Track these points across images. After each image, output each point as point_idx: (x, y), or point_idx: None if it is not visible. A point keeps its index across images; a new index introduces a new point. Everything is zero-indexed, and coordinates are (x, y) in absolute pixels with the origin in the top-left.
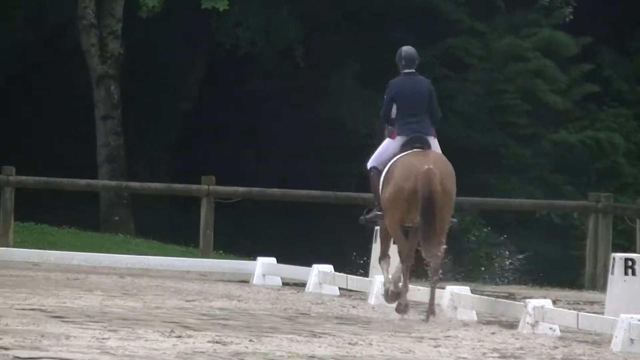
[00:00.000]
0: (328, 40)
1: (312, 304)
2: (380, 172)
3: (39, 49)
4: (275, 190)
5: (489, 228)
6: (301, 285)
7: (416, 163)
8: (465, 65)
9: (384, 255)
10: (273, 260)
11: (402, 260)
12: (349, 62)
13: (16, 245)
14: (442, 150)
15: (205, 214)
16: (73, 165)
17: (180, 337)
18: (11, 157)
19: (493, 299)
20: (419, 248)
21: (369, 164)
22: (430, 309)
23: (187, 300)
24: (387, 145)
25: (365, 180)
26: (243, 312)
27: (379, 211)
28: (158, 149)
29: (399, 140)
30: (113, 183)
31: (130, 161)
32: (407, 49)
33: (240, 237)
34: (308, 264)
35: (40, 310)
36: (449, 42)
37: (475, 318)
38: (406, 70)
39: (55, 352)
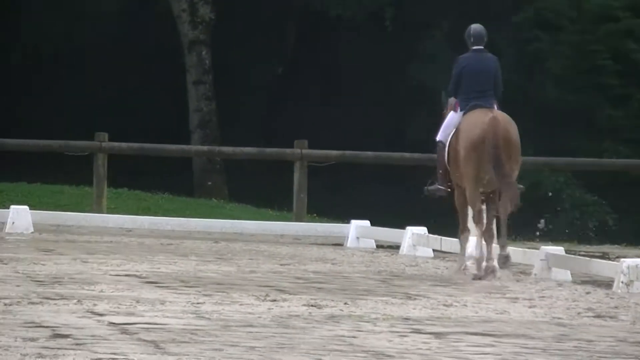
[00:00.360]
0: (417, 2)
1: (406, 266)
2: (445, 145)
3: (132, 13)
4: (369, 153)
5: (583, 188)
6: (395, 247)
7: (481, 115)
8: (556, 27)
9: (464, 229)
10: (367, 222)
11: (476, 224)
12: (439, 24)
13: (110, 211)
14: (533, 111)
15: (299, 177)
16: (165, 131)
17: (275, 300)
18: (104, 122)
19: (587, 258)
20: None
21: (437, 137)
22: (501, 261)
23: (281, 264)
24: (452, 118)
25: None
26: (337, 275)
27: (440, 185)
28: (250, 113)
29: (461, 112)
30: (206, 148)
31: (223, 126)
32: (475, 27)
33: (333, 200)
34: (402, 226)
35: (135, 276)
36: (540, 3)
37: (570, 278)
38: (475, 47)
39: (150, 317)
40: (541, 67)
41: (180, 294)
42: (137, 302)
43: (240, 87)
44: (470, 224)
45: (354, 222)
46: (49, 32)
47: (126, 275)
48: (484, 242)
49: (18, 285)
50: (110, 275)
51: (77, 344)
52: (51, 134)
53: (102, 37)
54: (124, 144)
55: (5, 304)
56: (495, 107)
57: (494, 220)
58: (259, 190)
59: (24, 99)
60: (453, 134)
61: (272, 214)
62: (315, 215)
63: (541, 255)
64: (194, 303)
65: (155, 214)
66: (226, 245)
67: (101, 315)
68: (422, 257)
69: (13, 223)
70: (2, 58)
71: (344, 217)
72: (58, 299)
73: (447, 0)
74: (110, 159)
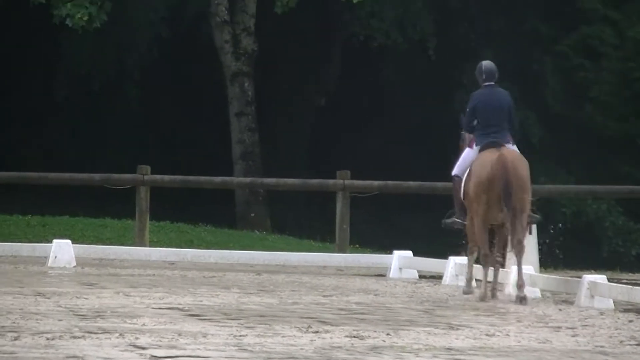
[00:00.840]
0: (460, 30)
1: (449, 296)
2: (461, 179)
3: (174, 43)
4: (411, 183)
5: (626, 216)
6: (438, 277)
7: (489, 155)
8: (599, 54)
9: (472, 251)
10: (409, 253)
11: (483, 263)
12: (483, 53)
13: (152, 244)
14: (577, 138)
15: (341, 208)
16: (208, 163)
17: (317, 332)
18: (146, 154)
19: (630, 286)
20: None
21: (453, 172)
22: (517, 302)
23: (324, 296)
24: (467, 154)
25: None
26: (380, 306)
27: (457, 218)
28: (293, 144)
29: (477, 148)
30: (248, 180)
31: (265, 157)
32: (487, 64)
33: (376, 230)
34: (444, 256)
35: (177, 308)
36: (583, 30)
37: (612, 306)
38: (487, 83)
39: (192, 350)
40: (585, 95)
41: (222, 326)
42: (179, 335)
43: (283, 119)
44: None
45: (396, 253)
46: (92, 65)
47: (168, 308)
48: (491, 269)
49: (60, 320)
50: (153, 308)
51: None
52: (93, 167)
53: (145, 68)
54: (166, 177)
55: (47, 339)
56: (511, 142)
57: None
58: (302, 222)
59: (66, 132)
60: (469, 170)
61: (315, 245)
62: (357, 246)
63: (583, 284)
64: (236, 335)
65: (197, 246)
66: (269, 277)
67: (143, 348)
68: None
69: (56, 257)
70: (44, 91)
71: (387, 248)
72: (100, 333)
73: (491, 29)
74: (153, 191)
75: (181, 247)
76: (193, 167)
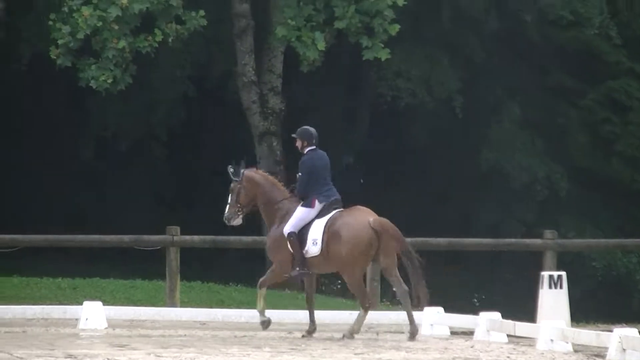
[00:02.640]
0: (486, 86)
1: (481, 351)
2: (297, 235)
3: (201, 102)
4: (440, 240)
5: None
6: (469, 333)
7: (359, 218)
8: (625, 108)
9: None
10: (440, 309)
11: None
12: (510, 109)
13: (183, 304)
14: (605, 192)
15: (371, 265)
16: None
17: None
18: (175, 214)
19: None
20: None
21: (287, 231)
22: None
23: (355, 353)
24: (306, 213)
25: (531, 226)
26: None
27: (302, 270)
28: None
29: (318, 206)
30: None
31: None
32: (310, 129)
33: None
34: (475, 312)
35: None
36: (609, 84)
37: None
38: (313, 147)
39: None
40: (611, 148)
41: None
42: None
43: None
44: None
45: (427, 309)
46: (118, 125)
47: None
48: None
49: None
50: None
51: None
52: (122, 228)
53: (171, 128)
54: (196, 237)
55: None
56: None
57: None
58: (332, 280)
59: (93, 193)
60: (327, 230)
61: (345, 303)
62: (388, 302)
63: (615, 337)
64: None
65: (228, 306)
66: (300, 336)
67: None
68: (496, 343)
69: (87, 319)
70: (71, 153)
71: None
72: None
73: (516, 83)
74: (183, 250)
75: (212, 307)
76: (222, 227)
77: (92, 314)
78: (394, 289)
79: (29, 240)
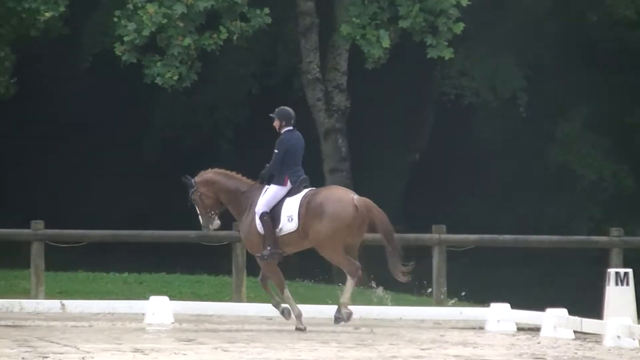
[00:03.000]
0: (551, 85)
1: (547, 348)
2: (269, 214)
3: (266, 100)
4: (507, 237)
5: None
6: (535, 330)
7: (342, 194)
8: None
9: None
10: (507, 305)
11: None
12: (576, 107)
13: (250, 300)
14: None
15: (438, 262)
16: None
17: None
18: None
19: None
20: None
21: (259, 211)
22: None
23: (422, 349)
24: (277, 192)
25: (597, 223)
26: (479, 359)
27: (273, 249)
28: (387, 199)
29: (289, 184)
30: None
31: None
32: (289, 110)
33: (473, 283)
34: (542, 308)
35: None
36: None
37: None
38: (290, 128)
39: None
40: None
41: None
42: None
43: (377, 174)
44: None
45: (493, 306)
46: (183, 123)
47: None
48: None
49: None
50: None
51: None
52: (190, 224)
53: (236, 125)
54: None
55: None
56: None
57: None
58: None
59: (158, 190)
60: (303, 206)
61: (412, 299)
62: (455, 299)
63: None
64: None
65: (295, 301)
66: (367, 331)
67: None
68: (563, 339)
69: (153, 314)
70: (134, 151)
71: (484, 301)
72: None
73: (582, 83)
74: None
75: (268, 303)
76: None
77: (159, 309)
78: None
79: (96, 235)
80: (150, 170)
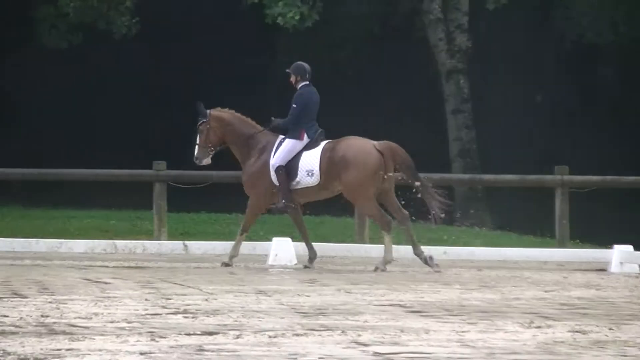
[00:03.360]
0: None
1: None
2: (284, 169)
3: (387, 40)
4: (630, 178)
5: None
6: None
7: (367, 143)
8: None
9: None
10: (630, 248)
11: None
12: None
13: (372, 241)
14: None
15: (560, 204)
16: (425, 160)
17: (539, 327)
18: None
19: None
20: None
21: (275, 164)
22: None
23: (545, 291)
24: (294, 145)
25: None
26: (602, 301)
27: (288, 202)
28: (510, 140)
29: (306, 139)
30: (467, 176)
31: (483, 154)
32: (305, 64)
33: (596, 225)
34: None
35: (399, 305)
36: None
37: None
38: (307, 82)
39: (414, 346)
40: None
41: (444, 322)
42: (402, 331)
43: (499, 115)
44: None
45: (616, 247)
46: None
47: (390, 305)
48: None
49: (282, 317)
50: (374, 305)
51: None
52: None
53: (357, 66)
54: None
55: (269, 336)
56: None
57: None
58: (521, 217)
59: None
60: (325, 160)
61: (535, 241)
62: (577, 241)
63: None
64: (458, 332)
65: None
66: (489, 273)
67: (366, 345)
68: None
69: (276, 255)
70: (257, 91)
71: (607, 243)
72: (322, 330)
73: None
74: None
75: (401, 245)
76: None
77: (282, 250)
78: (394, 215)
79: (219, 176)
80: (272, 111)
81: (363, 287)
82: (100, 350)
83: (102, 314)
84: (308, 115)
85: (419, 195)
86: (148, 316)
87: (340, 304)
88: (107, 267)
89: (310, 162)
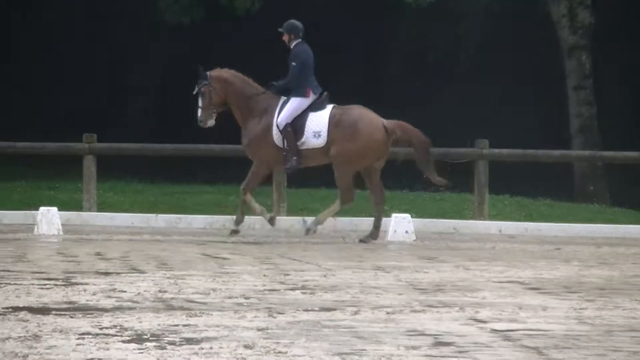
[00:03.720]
0: None
1: None
2: (292, 126)
3: (508, 16)
4: None
5: None
6: None
7: (373, 117)
8: None
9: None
10: None
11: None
12: None
13: (491, 218)
14: None
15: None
16: (545, 136)
17: None
18: (484, 129)
19: None
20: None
21: (282, 122)
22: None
23: None
24: (301, 103)
25: None
26: None
27: (298, 162)
28: (631, 116)
29: (312, 96)
30: (587, 153)
31: (604, 130)
32: (297, 22)
33: None
34: None
35: (517, 282)
36: None
37: None
38: (299, 40)
39: (532, 323)
40: None
41: (562, 299)
42: (520, 308)
43: (621, 91)
44: None
45: None
46: (422, 38)
47: (508, 281)
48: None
49: (400, 294)
50: (493, 282)
51: (459, 352)
52: (434, 142)
53: (478, 42)
54: (504, 150)
55: (387, 313)
56: None
57: None
58: None
59: (400, 106)
60: (333, 124)
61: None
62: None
63: None
64: (576, 309)
65: (536, 220)
66: (609, 250)
67: (484, 322)
68: None
69: (395, 231)
70: (376, 64)
71: None
72: (440, 307)
73: None
74: (491, 165)
75: (520, 221)
76: (529, 141)
77: (401, 226)
78: (372, 193)
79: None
80: (391, 86)
81: (481, 263)
82: (217, 326)
83: (220, 289)
84: (308, 72)
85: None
86: (266, 292)
87: (458, 281)
88: (225, 242)
89: (318, 123)
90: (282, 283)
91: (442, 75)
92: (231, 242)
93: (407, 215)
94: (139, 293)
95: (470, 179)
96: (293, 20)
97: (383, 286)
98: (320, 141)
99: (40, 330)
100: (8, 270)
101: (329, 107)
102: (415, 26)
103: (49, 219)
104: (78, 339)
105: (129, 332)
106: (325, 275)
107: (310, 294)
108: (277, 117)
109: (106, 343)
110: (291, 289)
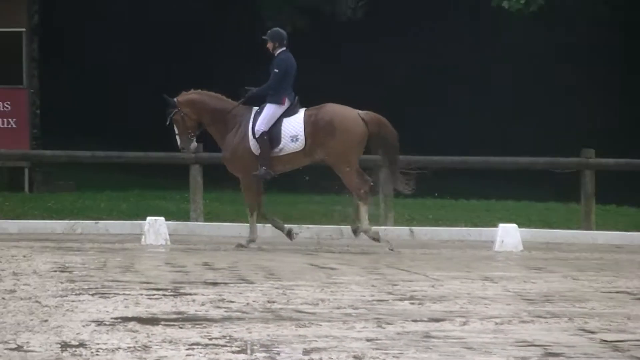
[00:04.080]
0: None
1: None
2: (267, 134)
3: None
4: None
5: None
6: None
7: (347, 110)
8: None
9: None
10: None
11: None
12: None
13: (598, 227)
14: None
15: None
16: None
17: None
18: (591, 138)
19: None
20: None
21: (259, 130)
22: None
23: None
24: (276, 110)
25: None
26: None
27: (268, 170)
28: None
29: (287, 104)
30: None
31: None
32: (282, 31)
33: None
34: None
35: (626, 292)
36: None
37: None
38: (283, 49)
39: None
40: None
41: None
42: (628, 318)
43: None
44: None
45: None
46: (524, 49)
47: (617, 292)
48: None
49: (509, 304)
50: (601, 292)
51: None
52: (538, 152)
53: (573, 51)
54: (610, 160)
55: (496, 323)
56: None
57: None
58: None
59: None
60: (309, 125)
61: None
62: None
63: None
64: None
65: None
66: None
67: (592, 332)
68: None
69: (502, 241)
70: (483, 80)
71: None
72: (549, 317)
73: None
74: (598, 174)
75: (627, 231)
76: (636, 150)
77: (508, 236)
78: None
79: (444, 161)
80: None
81: (590, 274)
82: (326, 336)
83: (329, 299)
84: (288, 80)
85: (383, 172)
86: (374, 302)
87: (566, 291)
88: (333, 252)
89: (294, 127)
90: (390, 293)
91: (536, 86)
92: (338, 252)
93: (514, 225)
94: (247, 303)
95: (577, 189)
96: (277, 29)
97: (491, 296)
98: (299, 144)
99: (150, 341)
100: (117, 281)
101: (302, 111)
102: (517, 38)
103: (156, 229)
104: (188, 349)
105: (239, 342)
106: (433, 286)
107: (419, 304)
108: (252, 126)
109: (216, 354)
110: (399, 300)
